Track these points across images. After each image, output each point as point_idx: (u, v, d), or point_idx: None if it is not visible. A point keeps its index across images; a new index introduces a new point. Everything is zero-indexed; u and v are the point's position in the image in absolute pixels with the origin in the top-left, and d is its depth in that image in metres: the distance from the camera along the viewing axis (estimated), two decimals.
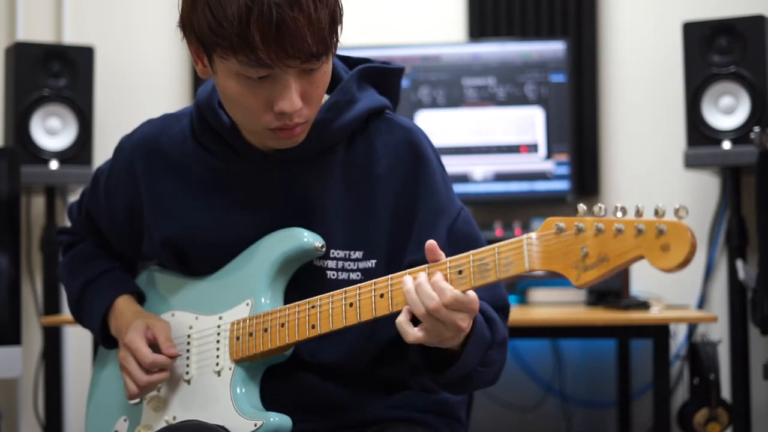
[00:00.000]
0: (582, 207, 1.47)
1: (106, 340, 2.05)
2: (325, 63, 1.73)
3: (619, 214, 1.43)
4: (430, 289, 1.64)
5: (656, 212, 1.36)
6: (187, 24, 1.73)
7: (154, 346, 1.92)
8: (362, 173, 1.89)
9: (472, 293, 1.65)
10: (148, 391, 1.93)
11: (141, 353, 1.89)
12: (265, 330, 1.82)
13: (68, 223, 2.25)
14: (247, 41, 1.63)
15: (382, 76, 1.96)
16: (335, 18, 1.70)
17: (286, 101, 1.71)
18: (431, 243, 1.69)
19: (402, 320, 1.68)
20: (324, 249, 1.84)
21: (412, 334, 1.67)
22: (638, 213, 1.40)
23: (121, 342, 1.95)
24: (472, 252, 1.61)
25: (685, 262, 1.34)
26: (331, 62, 1.77)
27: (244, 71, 1.69)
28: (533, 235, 1.53)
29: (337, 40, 1.73)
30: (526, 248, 1.53)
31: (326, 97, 1.88)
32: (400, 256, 1.88)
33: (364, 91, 1.91)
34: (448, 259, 1.65)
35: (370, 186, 1.88)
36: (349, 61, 1.96)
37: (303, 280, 1.89)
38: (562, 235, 1.48)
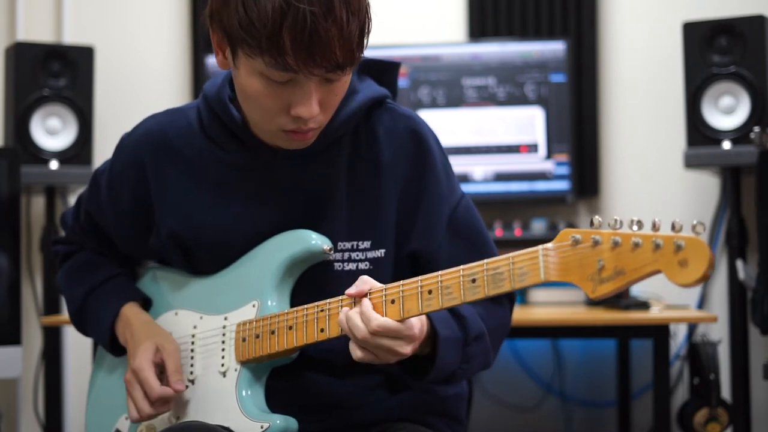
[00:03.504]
0: (597, 219, 1.47)
1: (114, 349, 2.03)
2: (348, 73, 1.73)
3: (635, 228, 1.42)
4: (358, 319, 1.69)
5: (673, 227, 1.36)
6: (216, 16, 1.72)
7: (162, 367, 1.91)
8: (367, 163, 1.89)
9: (410, 321, 1.69)
10: (149, 420, 1.92)
11: (148, 385, 1.87)
12: (272, 332, 1.82)
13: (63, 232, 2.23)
14: (277, 45, 1.63)
15: (380, 68, 1.97)
16: (364, 30, 1.70)
17: (305, 107, 1.71)
18: (348, 292, 1.73)
19: (351, 343, 1.72)
20: (332, 251, 1.85)
21: (357, 354, 1.71)
22: (654, 227, 1.39)
23: (130, 362, 1.93)
24: (486, 260, 1.60)
25: (703, 278, 1.34)
26: (351, 72, 1.77)
27: (268, 72, 1.68)
28: (549, 245, 1.52)
29: (362, 52, 1.73)
30: (541, 259, 1.52)
31: None
32: (403, 245, 1.89)
33: (364, 82, 1.92)
34: (462, 267, 1.64)
35: (376, 175, 1.89)
36: None
37: (309, 273, 1.89)
38: (578, 247, 1.47)
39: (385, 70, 1.97)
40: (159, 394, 1.86)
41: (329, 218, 1.87)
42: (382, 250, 1.88)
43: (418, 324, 1.71)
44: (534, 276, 1.53)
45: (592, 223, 1.47)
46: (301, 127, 1.75)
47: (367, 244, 1.88)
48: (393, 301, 1.69)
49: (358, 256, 1.88)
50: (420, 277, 1.68)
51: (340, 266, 1.88)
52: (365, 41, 1.72)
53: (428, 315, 1.74)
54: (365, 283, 1.73)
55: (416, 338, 1.70)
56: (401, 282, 1.70)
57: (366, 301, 1.70)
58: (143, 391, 1.88)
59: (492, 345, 1.89)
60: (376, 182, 1.89)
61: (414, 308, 1.67)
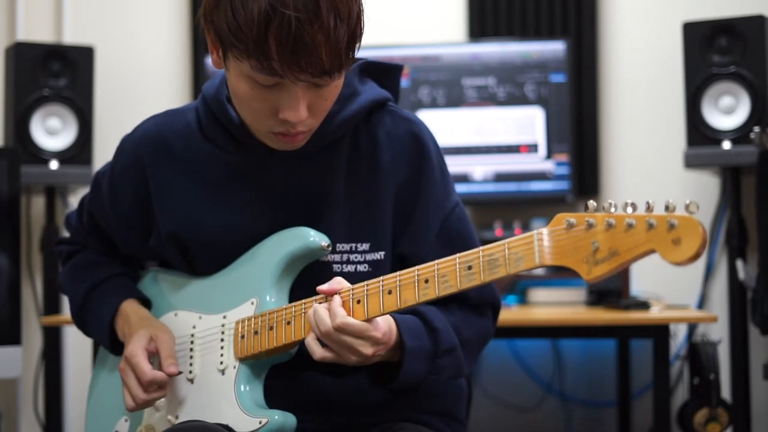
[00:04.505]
0: (592, 203, 1.47)
1: (114, 346, 2.03)
2: (338, 78, 1.73)
3: (629, 210, 1.43)
4: (325, 313, 1.71)
5: (667, 207, 1.36)
6: (208, 17, 1.73)
7: (157, 358, 1.91)
8: (367, 165, 1.89)
9: (376, 322, 1.71)
10: (146, 407, 1.92)
11: (140, 369, 1.87)
12: (271, 328, 1.81)
13: (66, 233, 2.23)
14: (262, 49, 1.63)
15: (382, 71, 1.97)
16: (354, 36, 1.69)
17: (292, 111, 1.71)
18: (319, 288, 1.76)
19: (309, 339, 1.74)
20: (330, 248, 1.84)
21: (318, 352, 1.73)
22: (648, 208, 1.40)
23: (124, 351, 1.93)
24: (482, 248, 1.62)
25: (696, 256, 1.34)
26: (343, 77, 1.77)
27: (255, 76, 1.69)
28: (543, 230, 1.53)
29: (353, 57, 1.72)
30: (536, 243, 1.53)
31: None
32: (394, 246, 1.91)
33: (365, 85, 1.92)
34: (458, 255, 1.64)
35: (375, 177, 1.89)
36: None
37: (308, 274, 1.89)
38: (573, 230, 1.48)
39: (387, 73, 1.98)
40: (151, 377, 1.86)
41: (327, 219, 1.87)
42: (382, 252, 1.89)
43: (384, 327, 1.72)
44: (529, 260, 1.54)
45: (586, 207, 1.47)
46: (289, 130, 1.75)
47: (366, 246, 1.88)
48: (390, 292, 1.69)
49: (356, 258, 1.88)
50: (416, 267, 1.69)
51: (339, 268, 1.88)
52: (356, 47, 1.71)
53: (398, 325, 1.77)
54: (338, 283, 1.75)
55: (380, 341, 1.72)
56: (398, 272, 1.70)
57: (336, 297, 1.72)
58: (136, 378, 1.88)
59: (469, 354, 1.91)
60: (375, 184, 1.89)
61: (412, 297, 1.67)
